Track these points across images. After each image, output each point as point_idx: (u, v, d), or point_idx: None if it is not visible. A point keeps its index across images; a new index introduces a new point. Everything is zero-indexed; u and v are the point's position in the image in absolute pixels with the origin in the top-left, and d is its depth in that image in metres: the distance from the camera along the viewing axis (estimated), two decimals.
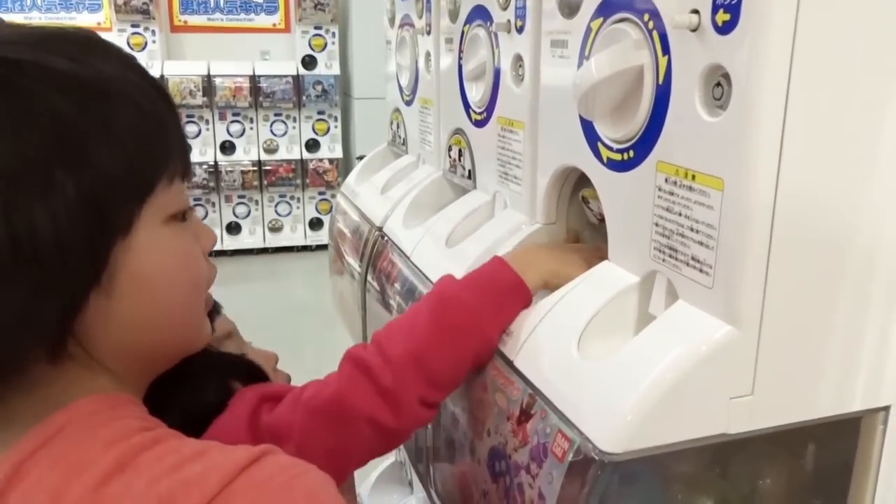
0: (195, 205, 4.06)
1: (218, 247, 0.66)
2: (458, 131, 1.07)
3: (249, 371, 0.74)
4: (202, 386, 0.67)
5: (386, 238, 1.16)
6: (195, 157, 4.48)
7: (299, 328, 3.54)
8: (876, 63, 0.54)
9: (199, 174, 4.46)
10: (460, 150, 1.07)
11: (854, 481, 0.67)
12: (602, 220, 0.80)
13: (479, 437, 0.73)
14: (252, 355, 0.81)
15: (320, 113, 4.64)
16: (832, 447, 0.67)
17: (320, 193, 4.72)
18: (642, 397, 0.55)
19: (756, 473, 0.69)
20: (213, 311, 0.71)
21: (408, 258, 1.04)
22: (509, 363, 0.70)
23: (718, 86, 0.55)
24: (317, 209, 4.73)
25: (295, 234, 4.70)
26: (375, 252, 1.19)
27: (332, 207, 4.65)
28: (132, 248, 0.51)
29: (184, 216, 0.57)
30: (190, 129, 4.46)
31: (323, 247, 4.61)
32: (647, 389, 0.55)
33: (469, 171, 1.05)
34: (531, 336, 0.69)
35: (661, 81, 0.60)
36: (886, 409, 0.64)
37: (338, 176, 4.67)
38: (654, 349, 0.58)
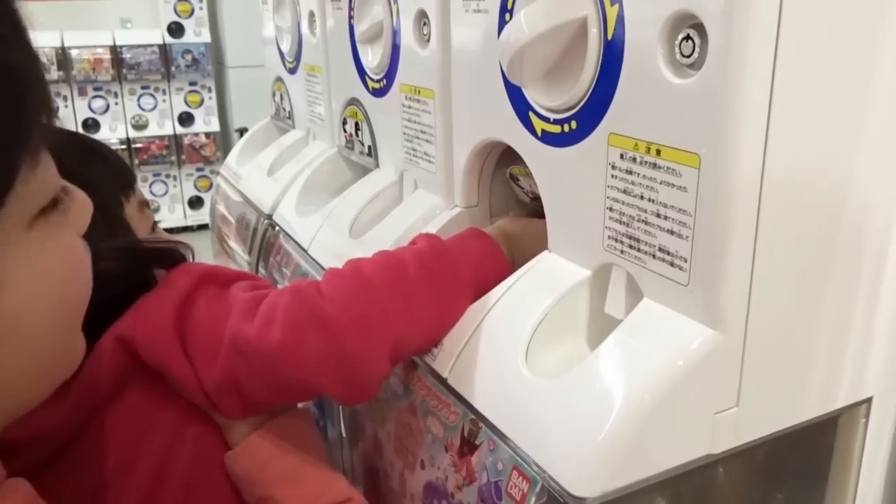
0: None
1: None
2: (354, 101, 0.94)
3: (175, 259, 0.63)
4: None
5: (277, 228, 1.02)
6: None
7: None
8: (873, 12, 0.45)
9: None
10: (357, 124, 0.94)
11: (833, 474, 0.60)
12: (535, 197, 0.69)
13: (411, 468, 0.62)
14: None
15: (192, 84, 4.32)
16: (809, 444, 0.60)
17: (198, 170, 4.42)
18: (618, 426, 0.45)
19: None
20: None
21: (305, 251, 0.90)
22: (442, 381, 0.59)
23: (688, 39, 0.44)
24: (195, 187, 4.43)
25: (173, 214, 4.39)
26: (266, 243, 1.04)
27: (211, 184, 4.39)
28: None
29: (55, 202, 0.39)
30: None
31: (205, 226, 4.33)
32: (623, 415, 0.45)
33: (369, 147, 0.92)
34: (466, 347, 0.58)
35: (610, 36, 0.50)
36: (869, 400, 0.57)
37: (216, 150, 4.38)
38: (624, 363, 0.48)
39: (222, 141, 4.40)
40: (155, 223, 0.75)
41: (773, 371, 0.50)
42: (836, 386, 0.54)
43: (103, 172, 0.67)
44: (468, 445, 0.55)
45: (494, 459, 0.52)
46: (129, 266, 0.59)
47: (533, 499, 0.48)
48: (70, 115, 4.14)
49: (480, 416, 0.54)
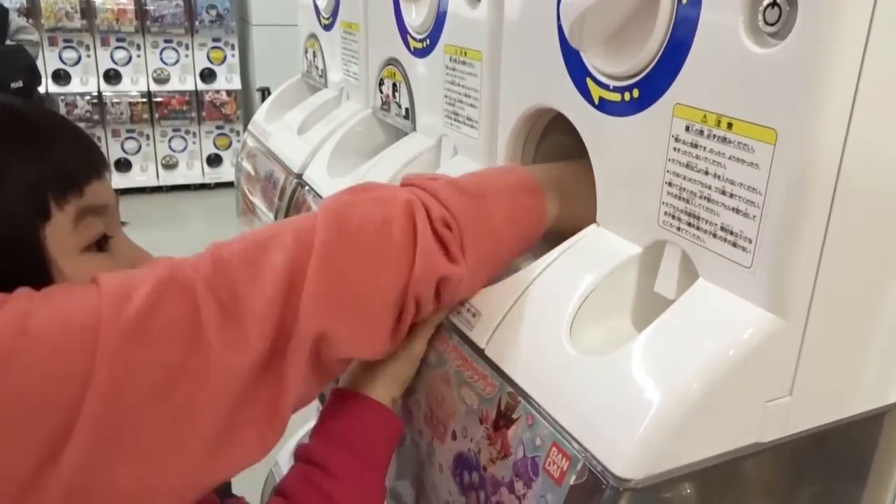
0: None
1: None
2: (392, 62, 0.91)
3: None
4: None
5: (307, 188, 1.00)
6: (76, 86, 4.10)
7: None
8: None
9: (82, 106, 4.09)
10: (395, 84, 0.92)
11: (874, 471, 0.58)
12: None
13: (441, 438, 0.60)
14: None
15: (215, 40, 4.30)
16: (853, 439, 0.58)
17: (218, 128, 4.41)
18: (669, 409, 0.43)
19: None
20: None
21: None
22: (479, 351, 0.57)
23: (773, 6, 0.42)
24: (215, 144, 4.42)
25: (191, 171, 4.38)
26: (294, 204, 1.03)
27: (230, 143, 4.37)
28: None
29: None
30: (69, 55, 4.07)
31: (224, 185, 4.32)
32: (675, 398, 0.43)
33: (406, 109, 0.90)
34: (506, 319, 0.56)
35: (684, 0, 0.47)
36: None
37: (237, 109, 4.36)
38: (679, 344, 0.46)
39: (243, 99, 4.38)
40: (103, 238, 0.53)
41: (829, 361, 0.48)
42: (889, 381, 0.52)
43: (31, 165, 0.48)
44: (504, 419, 0.53)
45: (532, 435, 0.50)
46: None
47: (573, 477, 0.46)
48: (92, 65, 4.13)
49: (519, 390, 0.53)
